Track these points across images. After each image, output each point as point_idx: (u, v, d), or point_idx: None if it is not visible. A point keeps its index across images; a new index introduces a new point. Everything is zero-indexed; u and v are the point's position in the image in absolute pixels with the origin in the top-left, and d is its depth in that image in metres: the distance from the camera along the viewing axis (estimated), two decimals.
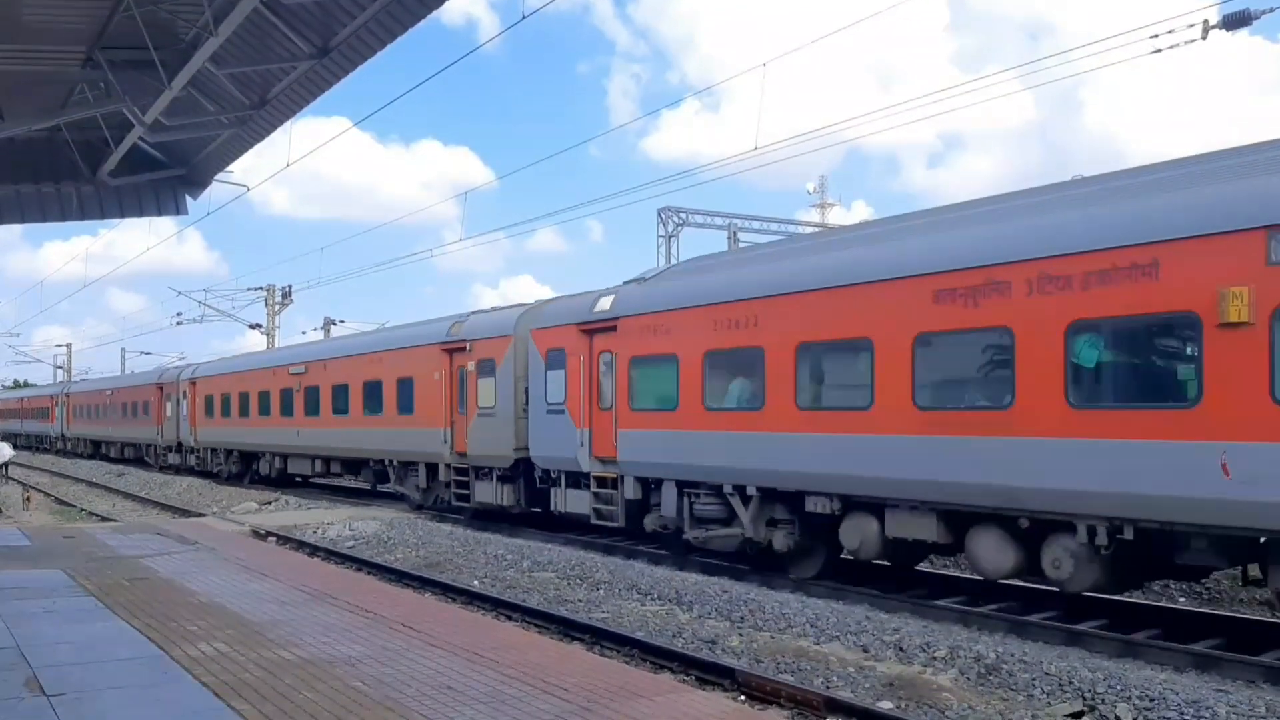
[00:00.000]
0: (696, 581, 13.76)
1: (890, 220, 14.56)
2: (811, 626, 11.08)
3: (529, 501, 19.48)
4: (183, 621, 9.71)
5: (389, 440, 23.88)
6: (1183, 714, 7.86)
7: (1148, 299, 9.63)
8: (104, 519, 25.53)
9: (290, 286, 49.58)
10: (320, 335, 48.19)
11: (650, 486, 15.83)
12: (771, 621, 11.41)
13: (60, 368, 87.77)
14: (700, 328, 14.71)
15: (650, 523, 15.98)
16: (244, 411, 32.29)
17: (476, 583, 14.38)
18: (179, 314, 54.03)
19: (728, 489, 14.34)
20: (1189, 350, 9.62)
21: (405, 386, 22.97)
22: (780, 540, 13.95)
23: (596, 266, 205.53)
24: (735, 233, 37.75)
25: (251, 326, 50.55)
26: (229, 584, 12.09)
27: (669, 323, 15.35)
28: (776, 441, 13.41)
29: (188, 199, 19.36)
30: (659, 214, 37.71)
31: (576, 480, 17.38)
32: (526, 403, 18.77)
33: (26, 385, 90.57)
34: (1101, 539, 10.09)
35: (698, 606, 12.35)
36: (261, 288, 49.67)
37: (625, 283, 17.35)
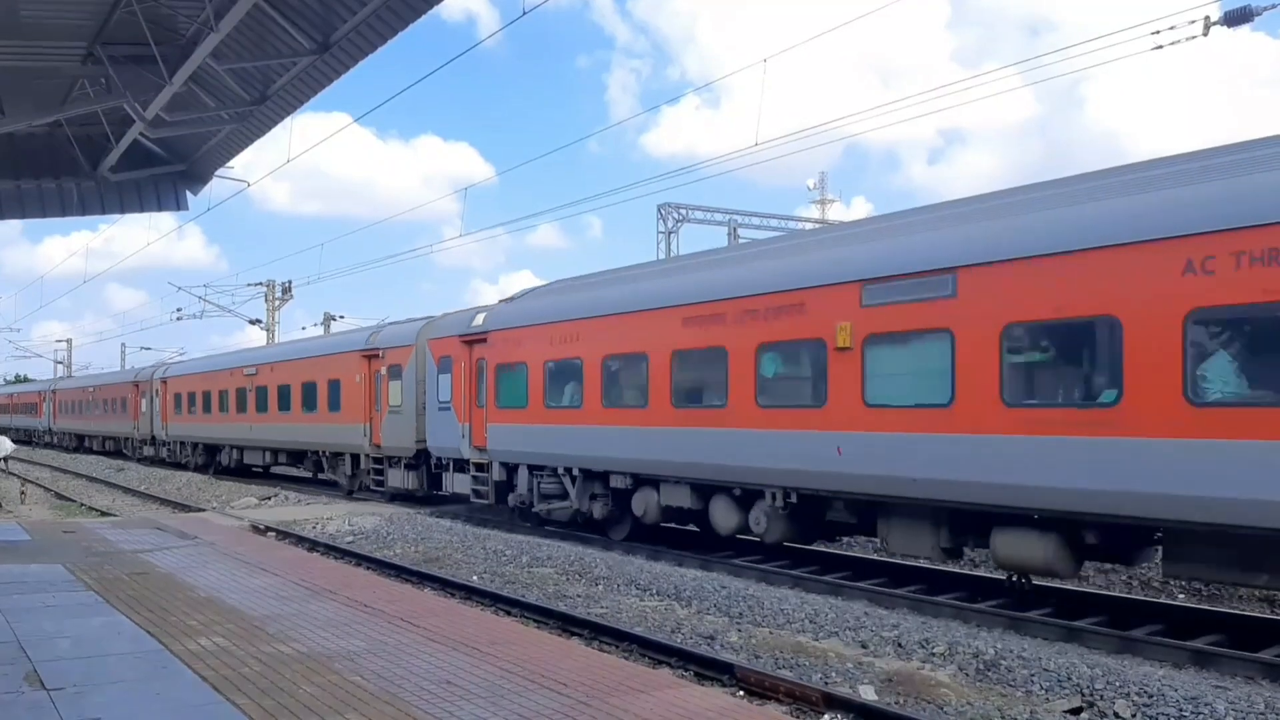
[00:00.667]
0: (695, 577, 13.78)
1: (672, 260, 19.51)
2: (810, 622, 11.10)
3: (429, 485, 23.03)
4: (182, 616, 9.72)
5: (322, 434, 27.32)
6: (1181, 710, 7.87)
7: (799, 328, 13.41)
8: (103, 514, 25.55)
9: (290, 282, 49.60)
10: (320, 331, 48.19)
11: (511, 470, 19.40)
12: (770, 617, 11.43)
13: (60, 363, 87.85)
14: (542, 341, 18.39)
15: (511, 499, 19.47)
16: (207, 408, 35.87)
17: (475, 578, 14.40)
18: (179, 309, 53.87)
19: (561, 471, 18.09)
20: (820, 366, 13.13)
21: (334, 388, 26.33)
22: (598, 510, 17.61)
23: (596, 263, 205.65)
24: (735, 228, 37.74)
25: (251, 322, 50.56)
26: (228, 579, 12.10)
27: (522, 336, 19.02)
28: (591, 433, 17.17)
29: (188, 195, 19.35)
30: (659, 210, 37.71)
31: (462, 466, 20.99)
32: (425, 402, 22.33)
33: (27, 380, 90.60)
34: (780, 502, 13.77)
35: (696, 602, 12.37)
36: (261, 283, 49.68)
37: (499, 301, 21.39)
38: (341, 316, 49.36)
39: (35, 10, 12.44)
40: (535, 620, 11.49)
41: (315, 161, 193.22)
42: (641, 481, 16.42)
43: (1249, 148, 10.03)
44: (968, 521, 11.85)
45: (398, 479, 23.90)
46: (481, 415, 20.00)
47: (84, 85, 15.00)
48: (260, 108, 15.00)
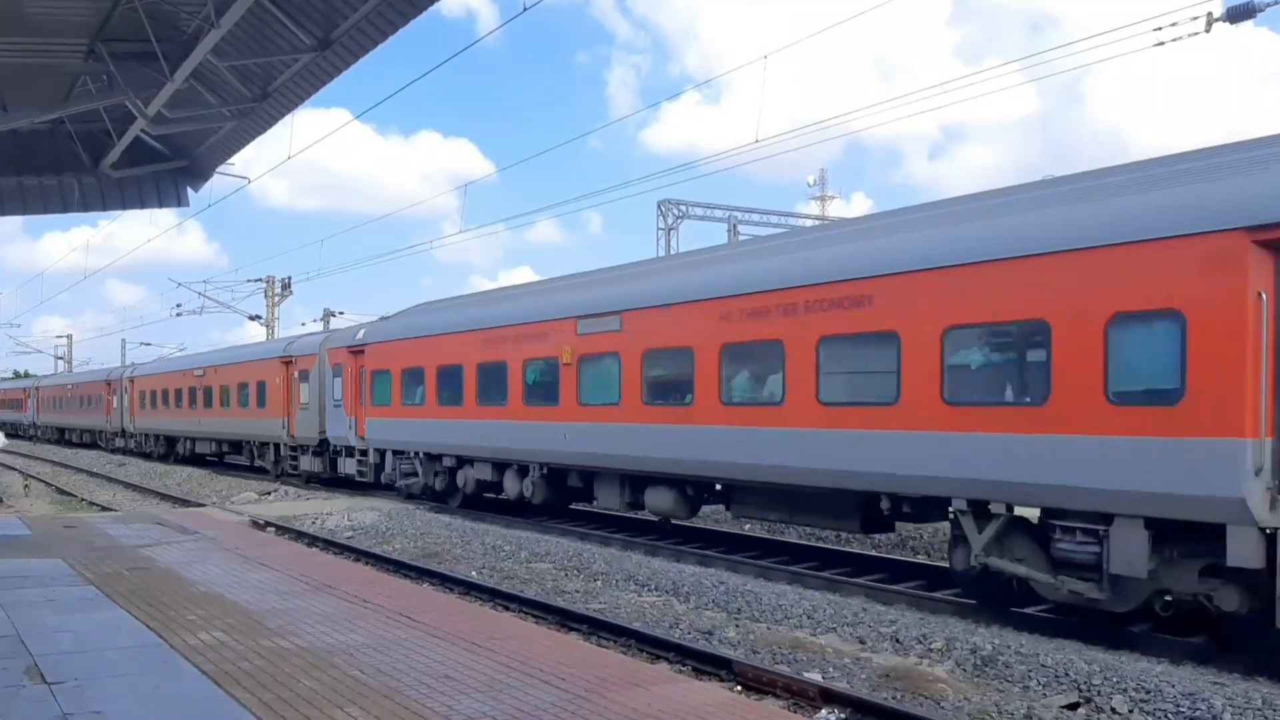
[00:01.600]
0: (694, 573, 13.82)
1: (484, 293, 24.16)
2: (808, 618, 11.13)
3: (330, 469, 27.57)
4: (182, 610, 9.75)
5: (252, 427, 32.49)
6: (1179, 706, 7.90)
7: (545, 349, 18.39)
8: (104, 508, 25.58)
9: (290, 278, 49.66)
10: (319, 326, 48.20)
11: (383, 454, 24.24)
12: (768, 613, 11.46)
13: (61, 358, 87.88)
14: (401, 353, 23.35)
15: (384, 478, 24.25)
16: (166, 404, 41.11)
17: (474, 573, 14.44)
18: (179, 305, 53.93)
19: (413, 454, 23.06)
20: (555, 376, 18.06)
21: (261, 388, 31.46)
22: (439, 484, 22.40)
23: (595, 259, 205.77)
24: (735, 225, 37.74)
25: (251, 318, 50.61)
26: (228, 573, 12.13)
27: (388, 349, 23.98)
28: (430, 425, 22.14)
29: (189, 191, 19.39)
30: (659, 206, 37.72)
31: (351, 452, 25.90)
32: (325, 401, 27.34)
33: (27, 375, 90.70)
34: (539, 474, 18.93)
35: (695, 597, 12.40)
36: (261, 279, 49.72)
37: (378, 319, 26.34)
38: (341, 313, 49.36)
39: (38, 7, 12.46)
40: (534, 615, 11.52)
41: (315, 157, 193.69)
42: (463, 461, 21.52)
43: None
44: (637, 483, 16.94)
45: (307, 464, 29.02)
46: (362, 411, 24.97)
47: (86, 82, 15.03)
48: (261, 104, 15.04)
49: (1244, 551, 8.97)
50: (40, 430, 66.36)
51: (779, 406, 13.56)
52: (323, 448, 27.71)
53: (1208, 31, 15.11)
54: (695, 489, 16.18)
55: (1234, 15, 15.05)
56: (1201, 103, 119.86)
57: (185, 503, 26.47)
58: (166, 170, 18.81)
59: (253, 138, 17.00)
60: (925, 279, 11.60)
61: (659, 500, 16.50)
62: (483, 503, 22.07)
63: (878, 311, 12.15)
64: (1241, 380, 8.92)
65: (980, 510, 11.33)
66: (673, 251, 36.14)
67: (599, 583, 13.68)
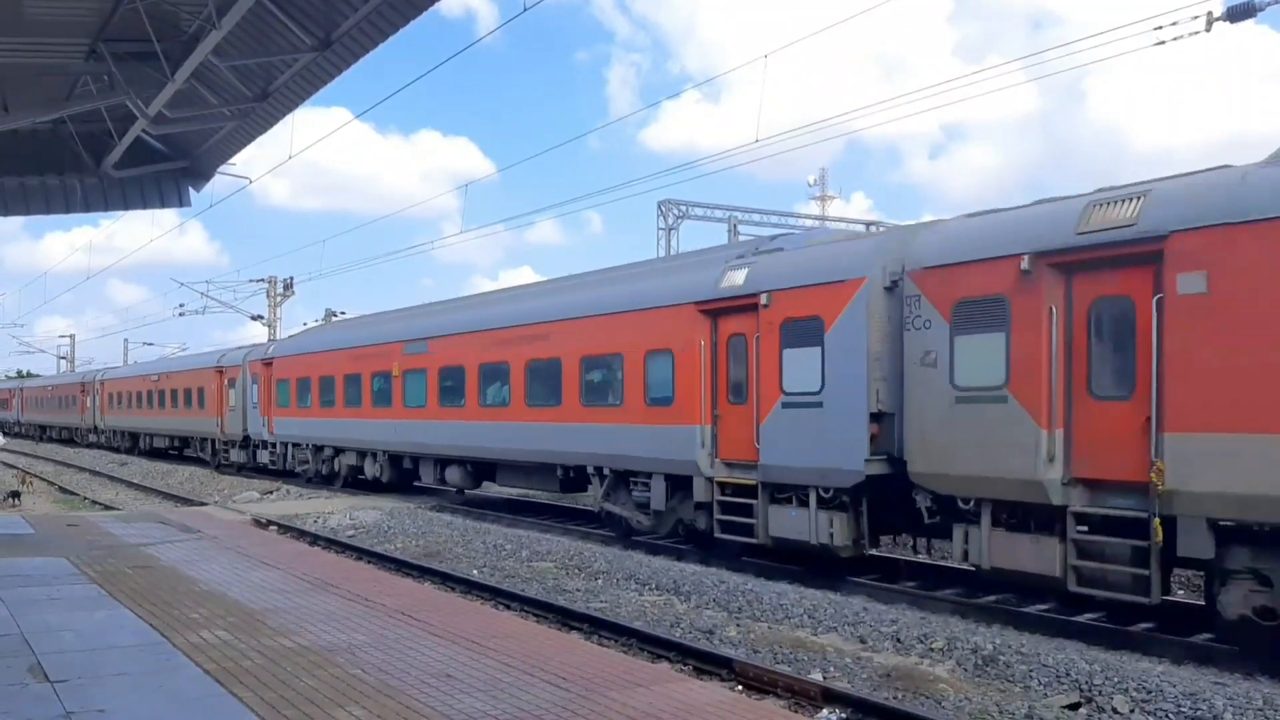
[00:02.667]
0: (695, 572, 13.82)
1: (359, 318, 32.37)
2: (809, 617, 11.14)
3: (252, 459, 33.29)
4: (185, 609, 9.78)
5: (195, 425, 38.65)
6: (1180, 706, 7.90)
7: (384, 365, 24.90)
8: (107, 507, 25.62)
9: (292, 278, 49.68)
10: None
11: (287, 446, 30.52)
12: (769, 612, 11.48)
13: (64, 358, 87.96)
14: (297, 365, 29.74)
15: (290, 466, 30.25)
16: (131, 404, 46.93)
17: (476, 572, 14.46)
18: (181, 305, 54.11)
19: (305, 445, 29.35)
20: (389, 384, 24.67)
21: (201, 393, 37.37)
22: (324, 470, 28.44)
23: (596, 259, 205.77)
24: (735, 225, 37.72)
25: (253, 318, 50.65)
26: (230, 572, 12.16)
27: (288, 362, 30.47)
28: (316, 423, 28.55)
29: (190, 191, 19.39)
30: (659, 206, 37.67)
31: (265, 445, 31.92)
32: (247, 404, 33.17)
33: (29, 375, 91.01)
34: (385, 459, 25.25)
35: (695, 597, 12.42)
36: (263, 279, 49.74)
37: (287, 337, 34.55)
38: (343, 312, 49.39)
39: (39, 7, 12.47)
40: (535, 614, 11.54)
41: (315, 157, 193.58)
42: (338, 451, 27.60)
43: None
44: (441, 463, 23.07)
45: (235, 455, 34.92)
46: (272, 412, 31.18)
47: (87, 82, 15.03)
48: (262, 104, 15.04)
49: (700, 491, 15.37)
50: (24, 427, 72.34)
51: (509, 407, 20.09)
52: (246, 442, 33.74)
53: (1208, 31, 15.11)
54: (475, 467, 22.20)
55: (1234, 14, 15.03)
56: (1202, 102, 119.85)
57: (187, 502, 26.52)
58: (168, 170, 18.80)
59: (254, 138, 17.00)
60: (571, 325, 18.52)
61: (454, 476, 22.64)
62: (357, 484, 27.31)
63: (552, 344, 18.85)
64: (698, 391, 15.31)
65: (598, 472, 17.75)
66: (673, 252, 36.26)
67: (600, 582, 13.70)
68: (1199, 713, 7.79)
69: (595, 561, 14.83)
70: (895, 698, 8.31)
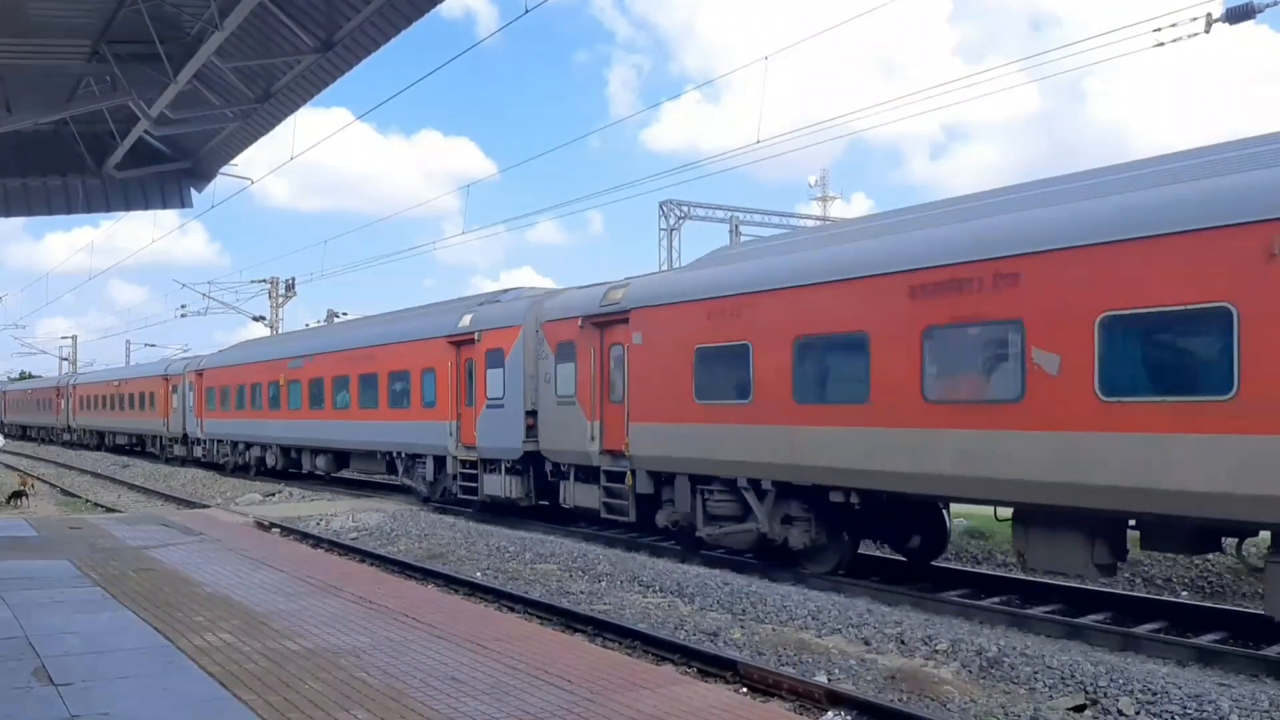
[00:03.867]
0: (698, 574, 13.81)
1: (289, 333, 39.95)
2: (813, 619, 11.12)
3: (189, 452, 39.42)
4: (189, 612, 9.77)
5: (146, 425, 45.30)
6: (1185, 708, 7.88)
7: (292, 377, 30.93)
8: (109, 510, 25.61)
9: (294, 279, 49.72)
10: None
11: (215, 443, 36.57)
12: (773, 614, 11.46)
13: (66, 359, 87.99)
14: (220, 376, 35.68)
15: (219, 459, 36.03)
16: (99, 406, 53.06)
17: (479, 574, 14.44)
18: (183, 306, 54.25)
19: (228, 442, 35.12)
20: (277, 391, 31.80)
21: (151, 397, 43.71)
22: (240, 461, 34.12)
23: (597, 259, 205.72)
24: (737, 225, 37.71)
25: (255, 319, 50.70)
26: (234, 575, 12.15)
27: (215, 373, 36.37)
28: (235, 423, 34.29)
29: (192, 192, 19.39)
30: (660, 207, 37.66)
31: (200, 442, 38.11)
32: (188, 407, 39.21)
33: (32, 377, 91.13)
34: (278, 451, 31.47)
35: (699, 599, 12.40)
36: (265, 280, 49.77)
37: (216, 351, 40.02)
38: (345, 313, 49.49)
39: (41, 9, 12.48)
40: (539, 617, 11.52)
41: (316, 157, 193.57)
42: (249, 445, 33.79)
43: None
44: (315, 453, 28.96)
45: (178, 450, 41.00)
46: (204, 414, 37.54)
47: (89, 83, 15.04)
48: (264, 105, 15.05)
49: (451, 466, 21.85)
50: (8, 427, 77.45)
51: (350, 410, 26.65)
52: (185, 439, 39.72)
53: (1207, 32, 15.09)
54: (335, 456, 28.70)
55: (1233, 16, 15.01)
56: (1203, 102, 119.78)
57: (190, 504, 26.50)
58: (170, 171, 18.80)
59: (256, 139, 17.01)
60: (383, 349, 25.13)
61: (321, 463, 29.18)
62: (264, 471, 32.86)
63: (375, 363, 25.46)
64: (449, 397, 21.84)
65: (399, 456, 24.81)
66: (674, 253, 36.30)
67: (604, 584, 13.68)
68: (1204, 714, 7.77)
69: (599, 564, 14.82)
70: (900, 700, 8.30)
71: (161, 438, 43.27)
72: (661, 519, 16.17)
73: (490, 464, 20.84)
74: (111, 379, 52.27)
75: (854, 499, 12.82)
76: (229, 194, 32.99)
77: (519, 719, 6.49)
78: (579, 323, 17.63)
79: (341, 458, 28.71)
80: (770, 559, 14.52)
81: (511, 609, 11.99)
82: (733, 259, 16.02)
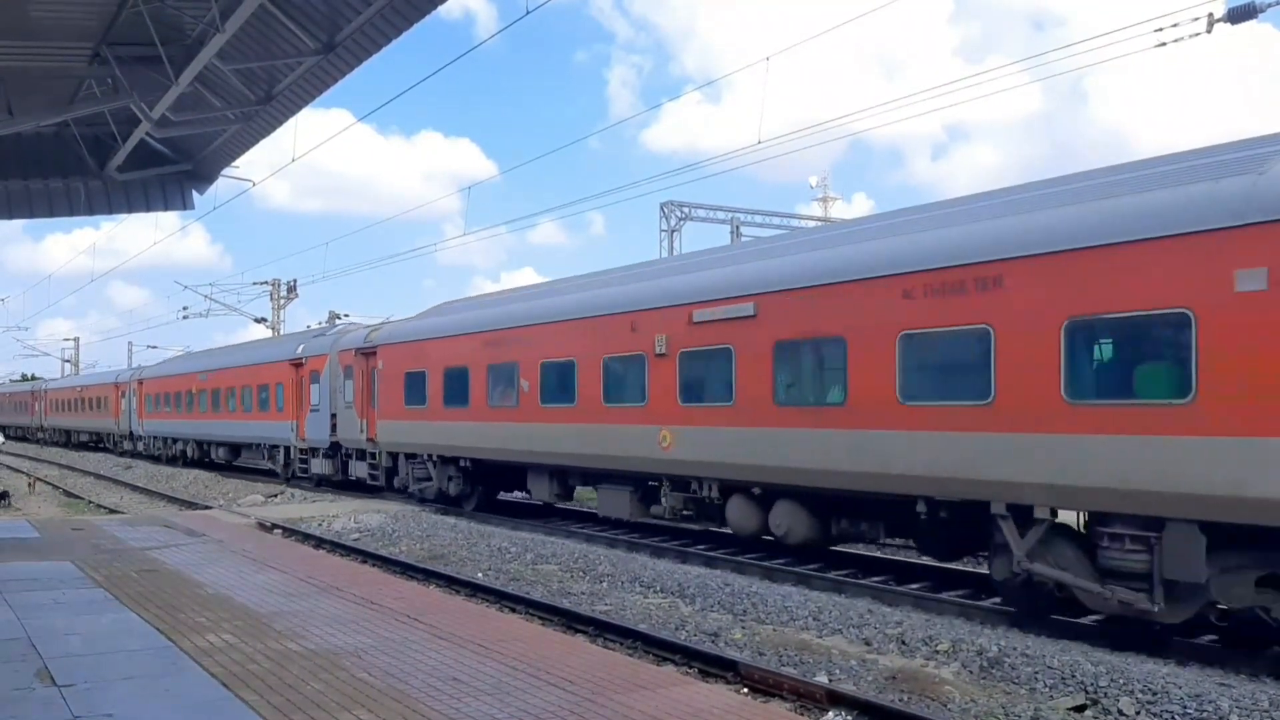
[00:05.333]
0: (699, 574, 13.83)
1: (200, 352, 47.40)
2: (814, 620, 11.14)
3: (135, 448, 47.66)
4: (191, 613, 9.79)
5: (102, 425, 53.62)
6: (1185, 708, 7.89)
7: (244, 382, 36.34)
8: (112, 511, 25.66)
9: (295, 281, 49.82)
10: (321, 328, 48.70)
11: (152, 439, 44.83)
12: (774, 614, 11.47)
13: (68, 361, 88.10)
14: (155, 385, 43.97)
15: (154, 452, 44.53)
16: (64, 409, 62.89)
17: (481, 575, 14.46)
18: (185, 308, 54.35)
19: (162, 439, 43.28)
20: (193, 396, 40.56)
21: (105, 400, 52.29)
22: (177, 453, 41.68)
23: (598, 260, 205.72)
24: (738, 226, 37.74)
25: (256, 320, 50.77)
26: (236, 576, 12.17)
27: (152, 382, 44.60)
28: (166, 423, 42.62)
29: (194, 194, 19.41)
30: (661, 208, 37.70)
31: (141, 438, 46.28)
32: (134, 408, 47.44)
33: (35, 379, 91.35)
34: (193, 445, 40.98)
35: (700, 599, 12.41)
36: (267, 282, 49.84)
37: (156, 363, 50.15)
38: (346, 314, 49.54)
39: (43, 11, 12.50)
40: (540, 617, 11.53)
41: (315, 158, 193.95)
42: (177, 440, 41.07)
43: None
44: (236, 449, 36.68)
45: (126, 445, 49.12)
46: (143, 415, 45.38)
47: (91, 86, 15.07)
48: (265, 107, 15.07)
49: (294, 454, 30.54)
50: None
51: (237, 412, 33.80)
52: (131, 437, 48.15)
53: (1209, 32, 15.09)
54: (232, 447, 36.31)
55: (1235, 16, 15.01)
56: (1204, 101, 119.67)
57: (192, 505, 26.53)
58: (171, 173, 18.84)
59: (257, 140, 17.02)
60: (239, 370, 34.49)
61: (220, 453, 37.10)
62: (188, 462, 40.33)
63: (254, 377, 32.96)
64: (291, 405, 30.57)
65: (267, 446, 32.67)
66: (676, 253, 36.30)
67: (605, 584, 13.70)
68: (1204, 714, 7.79)
69: (600, 564, 14.84)
70: (901, 700, 8.31)
71: (114, 435, 52.62)
72: (396, 482, 24.39)
73: (314, 451, 28.95)
74: (75, 385, 63.55)
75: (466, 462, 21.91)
76: (230, 196, 32.98)
77: (521, 719, 6.51)
78: (352, 352, 26.32)
79: (235, 449, 36.41)
80: (449, 503, 22.84)
81: (513, 610, 12.00)
82: (432, 315, 24.20)
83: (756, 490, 14.55)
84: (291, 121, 16.06)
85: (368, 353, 25.61)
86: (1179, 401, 9.36)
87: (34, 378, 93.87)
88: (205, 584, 11.55)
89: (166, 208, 19.42)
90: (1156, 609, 9.72)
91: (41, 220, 20.39)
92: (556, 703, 6.86)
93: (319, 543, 17.84)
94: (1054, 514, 10.76)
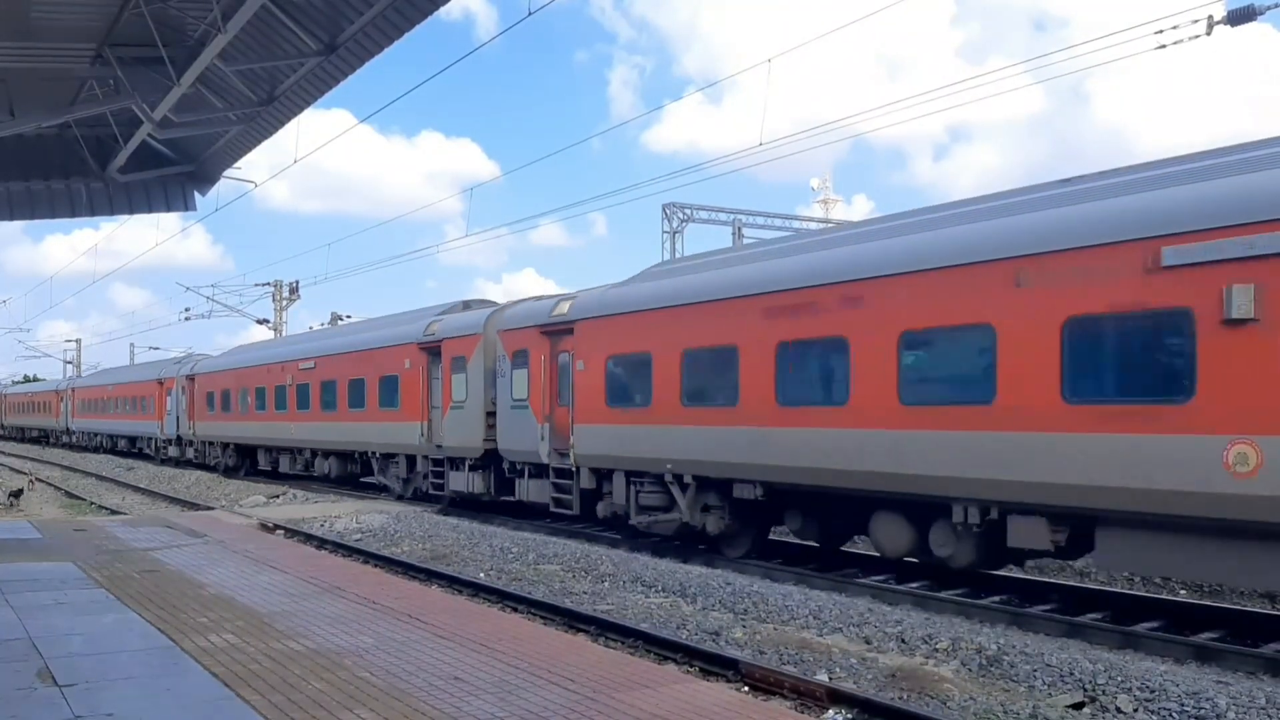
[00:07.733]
0: (700, 574, 13.85)
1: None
2: (814, 618, 11.16)
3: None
4: (192, 613, 9.82)
5: (49, 424, 64.66)
6: (1183, 705, 7.92)
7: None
8: (114, 512, 25.68)
9: (297, 282, 49.82)
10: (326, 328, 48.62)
11: (84, 434, 58.02)
12: (775, 613, 11.50)
13: (70, 362, 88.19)
14: (84, 393, 57.88)
15: (83, 443, 57.57)
16: (20, 411, 72.68)
17: (483, 575, 14.48)
18: (187, 309, 54.51)
19: (90, 434, 56.80)
20: (152, 401, 46.02)
21: (50, 404, 64.21)
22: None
23: (599, 260, 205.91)
24: (740, 227, 37.76)
25: (259, 322, 50.81)
26: (238, 576, 12.20)
27: (82, 391, 58.54)
28: (93, 422, 55.20)
29: (196, 195, 19.44)
30: (663, 210, 37.72)
31: (74, 434, 59.74)
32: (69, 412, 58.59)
33: (36, 380, 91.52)
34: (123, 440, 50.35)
35: (701, 598, 12.44)
36: (269, 283, 49.88)
37: (88, 374, 67.77)
38: (349, 316, 49.59)
39: (44, 12, 12.52)
40: (542, 616, 11.56)
41: (316, 159, 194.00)
42: (105, 435, 51.54)
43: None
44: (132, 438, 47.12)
45: (64, 439, 54.89)
46: (76, 415, 55.16)
47: (93, 86, 15.09)
48: (267, 108, 15.08)
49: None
50: (7, 430, 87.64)
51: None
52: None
53: (1209, 34, 15.11)
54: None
55: (1235, 18, 15.03)
56: (1204, 103, 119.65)
57: (194, 506, 26.56)
58: (173, 175, 18.85)
59: (259, 141, 17.04)
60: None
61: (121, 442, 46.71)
62: (112, 451, 48.85)
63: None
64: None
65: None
66: (678, 254, 36.35)
67: (606, 584, 13.72)
68: (1202, 711, 7.81)
69: (602, 564, 14.86)
70: (901, 698, 8.33)
71: (55, 431, 58.58)
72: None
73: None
74: (28, 391, 71.74)
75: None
76: (232, 197, 32.94)
77: (522, 718, 6.53)
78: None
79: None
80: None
81: (515, 609, 12.03)
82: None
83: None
84: (293, 122, 16.08)
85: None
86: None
87: (35, 378, 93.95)
88: (207, 584, 11.58)
89: (168, 209, 19.44)
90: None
91: (42, 221, 20.45)
92: (558, 701, 6.88)
93: (320, 543, 17.87)
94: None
